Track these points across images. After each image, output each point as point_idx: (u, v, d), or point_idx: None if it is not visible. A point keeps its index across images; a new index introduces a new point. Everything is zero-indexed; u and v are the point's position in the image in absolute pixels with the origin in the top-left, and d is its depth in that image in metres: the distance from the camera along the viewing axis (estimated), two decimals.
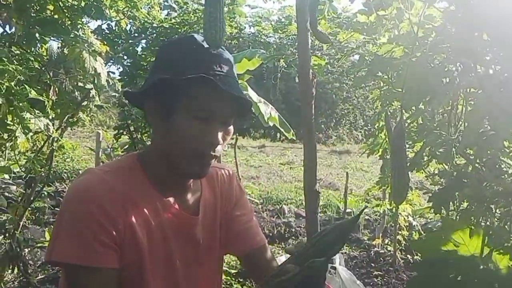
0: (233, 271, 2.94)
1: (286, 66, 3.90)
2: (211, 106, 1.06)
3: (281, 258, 1.78)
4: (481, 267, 0.84)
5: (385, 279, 3.03)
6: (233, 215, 1.30)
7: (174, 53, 1.10)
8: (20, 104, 1.67)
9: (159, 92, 1.05)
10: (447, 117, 2.02)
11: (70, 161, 7.19)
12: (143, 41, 2.86)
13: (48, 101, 1.87)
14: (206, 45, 1.09)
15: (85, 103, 2.13)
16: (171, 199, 1.15)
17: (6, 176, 3.46)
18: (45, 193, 5.22)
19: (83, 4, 2.10)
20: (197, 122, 1.05)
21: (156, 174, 1.12)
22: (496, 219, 1.70)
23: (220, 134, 1.08)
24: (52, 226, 3.81)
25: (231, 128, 1.13)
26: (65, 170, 6.71)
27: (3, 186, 3.48)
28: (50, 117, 1.97)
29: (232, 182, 1.31)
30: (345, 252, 3.67)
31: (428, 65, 1.76)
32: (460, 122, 1.97)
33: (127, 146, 2.73)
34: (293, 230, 4.27)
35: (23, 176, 2.64)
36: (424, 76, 1.75)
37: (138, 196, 1.07)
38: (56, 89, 1.96)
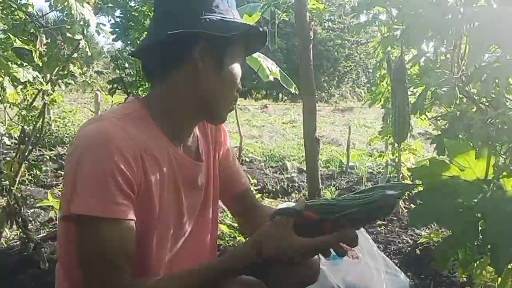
0: (236, 224, 2.94)
1: (283, 12, 3.78)
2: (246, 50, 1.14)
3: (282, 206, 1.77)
4: (488, 191, 0.80)
5: (388, 228, 3.02)
6: (221, 160, 1.31)
7: None
8: (5, 53, 1.61)
9: (210, 35, 1.02)
10: (450, 58, 1.95)
11: (71, 125, 7.17)
12: None
13: (35, 52, 1.81)
14: None
15: (75, 55, 2.07)
16: (180, 148, 1.14)
17: (7, 140, 3.42)
18: (47, 157, 5.25)
19: None
20: (238, 65, 1.10)
21: (167, 123, 1.08)
22: (502, 158, 1.66)
23: None
24: (54, 189, 3.81)
25: None
26: (66, 135, 6.69)
27: None
28: (40, 70, 1.92)
29: (218, 127, 1.31)
30: None
31: None
32: (464, 62, 1.90)
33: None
34: (296, 184, 4.26)
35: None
36: (425, 10, 1.67)
37: (153, 146, 1.03)
38: (44, 39, 1.89)
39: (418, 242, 2.50)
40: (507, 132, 1.66)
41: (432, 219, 0.86)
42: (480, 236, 0.77)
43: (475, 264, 1.74)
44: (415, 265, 2.28)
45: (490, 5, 1.55)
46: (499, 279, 1.61)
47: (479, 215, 0.78)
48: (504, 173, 0.80)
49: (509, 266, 1.64)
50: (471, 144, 0.93)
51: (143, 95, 1.29)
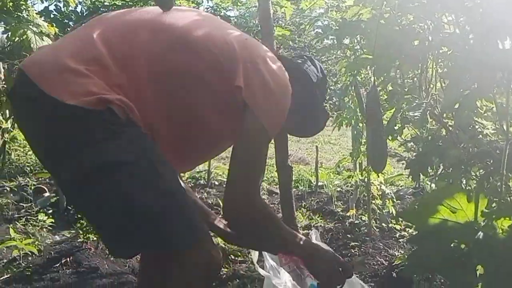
0: None
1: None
2: None
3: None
4: (480, 233, 0.79)
5: (362, 249, 3.01)
6: None
7: None
8: None
9: None
10: (417, 81, 1.98)
11: (32, 154, 6.92)
12: None
13: None
14: None
15: None
16: None
17: None
18: (7, 188, 5.04)
19: None
20: None
21: None
22: (473, 182, 1.67)
23: None
24: (16, 222, 3.63)
25: None
26: (27, 164, 6.44)
27: None
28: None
29: None
30: (320, 225, 3.65)
31: (397, 26, 1.70)
32: (431, 86, 1.93)
33: None
34: None
35: None
36: (393, 38, 1.68)
37: None
38: (4, 75, 1.81)
39: (393, 264, 2.49)
40: (479, 156, 1.68)
41: (428, 269, 0.84)
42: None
43: None
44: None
45: (456, 33, 1.57)
46: None
47: (475, 260, 0.77)
48: (494, 216, 0.79)
49: None
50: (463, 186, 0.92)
51: None
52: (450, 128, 1.80)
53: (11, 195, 4.53)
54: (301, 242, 1.46)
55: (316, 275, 1.46)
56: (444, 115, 1.85)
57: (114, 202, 1.13)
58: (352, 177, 3.64)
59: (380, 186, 3.37)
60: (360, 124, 3.14)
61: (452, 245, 0.80)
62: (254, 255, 1.88)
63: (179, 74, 1.28)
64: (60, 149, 1.15)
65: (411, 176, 1.66)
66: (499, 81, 1.28)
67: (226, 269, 2.71)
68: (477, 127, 1.72)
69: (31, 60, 1.26)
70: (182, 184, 1.45)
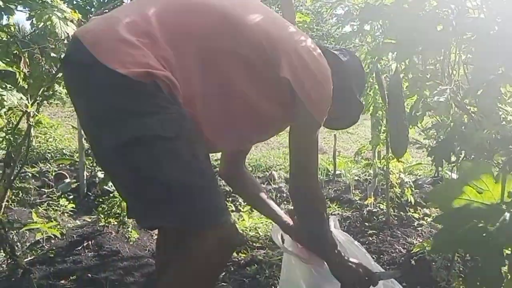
0: None
1: None
2: None
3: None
4: (507, 214, 0.78)
5: (380, 237, 3.01)
6: None
7: None
8: None
9: None
10: (439, 68, 1.96)
11: (52, 141, 7.02)
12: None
13: (19, 74, 1.76)
14: None
15: (60, 74, 2.02)
16: None
17: None
18: (29, 174, 5.13)
19: None
20: None
21: None
22: (496, 169, 1.66)
23: None
24: (38, 207, 3.70)
25: None
26: (48, 151, 6.54)
27: None
28: (24, 91, 1.86)
29: None
30: (338, 214, 3.65)
31: (421, 11, 1.68)
32: (454, 72, 1.91)
33: None
34: (284, 195, 4.23)
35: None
36: (416, 23, 1.67)
37: None
38: (27, 60, 1.84)
39: (411, 251, 2.48)
40: (501, 143, 1.66)
41: (456, 246, 0.85)
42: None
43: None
44: (410, 276, 2.26)
45: (481, 18, 1.55)
46: None
47: (502, 240, 0.77)
48: None
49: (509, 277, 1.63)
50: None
51: None
52: (473, 115, 1.78)
53: (33, 181, 4.61)
54: (334, 248, 1.67)
55: (337, 278, 1.65)
56: (467, 101, 1.83)
57: (147, 174, 1.18)
58: (371, 166, 3.62)
59: (399, 174, 3.35)
60: (380, 112, 3.12)
61: (479, 225, 0.80)
62: (276, 237, 1.92)
63: (225, 53, 1.34)
64: (106, 115, 1.20)
65: (433, 164, 1.65)
66: None
67: (244, 255, 2.73)
68: (500, 113, 1.70)
69: (85, 29, 1.31)
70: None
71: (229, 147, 1.65)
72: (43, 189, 4.31)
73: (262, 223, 3.33)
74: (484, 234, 0.78)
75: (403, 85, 2.15)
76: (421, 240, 2.84)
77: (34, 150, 6.27)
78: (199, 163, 1.22)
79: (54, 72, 2.04)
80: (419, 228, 3.15)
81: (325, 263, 1.74)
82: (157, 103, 1.18)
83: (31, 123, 1.99)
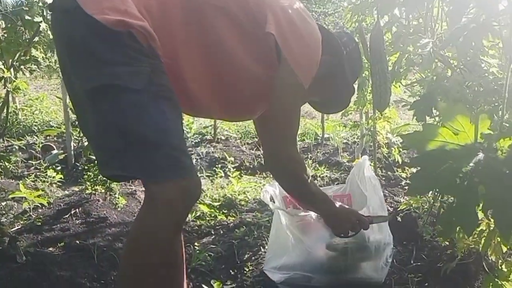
0: (216, 203, 2.91)
1: None
2: None
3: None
4: (481, 154, 0.78)
5: None
6: None
7: None
8: None
9: None
10: (422, 22, 1.93)
11: (39, 113, 6.94)
12: None
13: None
14: None
15: (36, 38, 1.97)
16: None
17: None
18: (16, 147, 5.08)
19: None
20: None
21: None
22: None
23: None
24: (26, 179, 3.68)
25: None
26: (34, 123, 6.48)
27: None
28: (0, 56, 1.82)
29: None
30: (326, 175, 3.67)
31: None
32: (437, 26, 1.88)
33: None
34: None
35: None
36: None
37: None
38: (2, 24, 1.79)
39: (398, 209, 2.51)
40: (483, 95, 1.65)
41: (432, 186, 0.85)
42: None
43: (458, 228, 1.76)
44: (397, 232, 2.29)
45: None
46: (482, 241, 1.63)
47: (476, 179, 0.76)
48: (495, 137, 0.78)
49: (491, 228, 1.65)
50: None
51: None
52: (456, 69, 1.77)
53: (20, 153, 4.57)
54: (325, 200, 1.71)
55: (330, 226, 1.75)
56: (450, 54, 1.82)
57: (111, 123, 1.19)
58: (358, 127, 3.62)
59: (387, 134, 3.35)
60: (366, 72, 3.10)
61: (454, 166, 0.79)
62: (265, 198, 1.95)
63: (211, 8, 1.34)
64: (80, 60, 1.21)
65: (413, 118, 1.65)
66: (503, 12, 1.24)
67: (233, 218, 2.75)
68: (483, 65, 1.69)
69: None
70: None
71: (218, 111, 1.57)
72: (30, 161, 4.27)
73: (251, 187, 3.35)
74: (460, 175, 0.78)
75: (386, 41, 2.13)
76: (408, 199, 2.86)
77: (21, 123, 6.21)
78: (164, 119, 1.21)
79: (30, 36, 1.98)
80: (406, 187, 3.18)
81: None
82: (129, 53, 1.17)
83: (9, 89, 1.95)
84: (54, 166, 3.75)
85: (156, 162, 1.19)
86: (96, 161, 1.40)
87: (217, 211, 2.80)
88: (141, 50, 1.18)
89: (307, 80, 1.43)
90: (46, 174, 3.49)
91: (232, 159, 4.07)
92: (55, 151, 4.37)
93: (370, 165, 3.69)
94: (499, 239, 1.56)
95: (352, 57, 1.64)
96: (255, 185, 3.42)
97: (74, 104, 1.36)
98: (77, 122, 2.84)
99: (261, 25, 1.36)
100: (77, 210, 2.60)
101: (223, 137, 5.17)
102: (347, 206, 1.87)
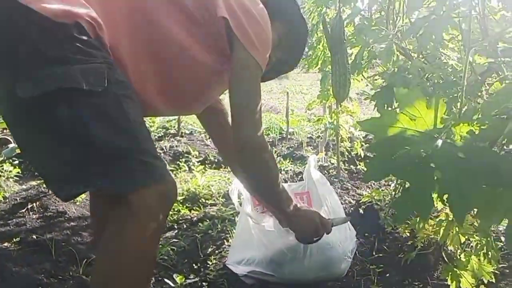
0: (179, 197, 2.87)
1: None
2: None
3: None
4: (440, 140, 0.79)
5: None
6: None
7: None
8: None
9: None
10: (384, 15, 1.95)
11: None
12: None
13: None
14: None
15: None
16: None
17: None
18: None
19: None
20: None
21: None
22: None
23: None
24: None
25: None
26: None
27: None
28: None
29: None
30: (290, 169, 3.68)
31: None
32: (398, 19, 1.91)
33: None
34: None
35: None
36: None
37: None
38: None
39: (360, 201, 2.54)
40: (443, 87, 1.68)
41: (387, 172, 0.85)
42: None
43: (417, 219, 1.79)
44: (359, 224, 2.31)
45: None
46: (441, 231, 1.66)
47: (433, 165, 0.77)
48: (453, 122, 0.79)
49: (449, 218, 1.68)
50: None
51: None
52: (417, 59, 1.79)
53: None
54: (289, 200, 1.64)
55: (294, 230, 1.69)
56: (411, 47, 1.84)
57: (69, 133, 1.06)
58: (321, 121, 3.65)
59: (349, 128, 3.38)
60: (329, 66, 3.11)
61: (411, 151, 0.80)
62: (233, 195, 1.95)
63: None
64: (24, 61, 1.05)
65: (374, 108, 1.66)
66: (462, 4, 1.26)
67: (197, 212, 2.72)
68: (442, 58, 1.71)
69: None
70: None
71: (168, 107, 1.43)
72: None
73: (215, 181, 3.32)
74: (416, 160, 0.79)
75: (348, 33, 2.14)
76: (370, 191, 2.90)
77: None
78: (130, 122, 1.12)
79: None
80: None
81: (277, 221, 1.76)
82: (81, 48, 1.05)
83: None
84: (11, 160, 3.63)
85: (128, 170, 1.11)
86: (46, 183, 1.21)
87: (181, 205, 2.76)
88: (92, 43, 1.07)
89: (263, 60, 1.39)
90: (3, 168, 3.37)
91: (197, 153, 4.04)
92: (12, 145, 4.22)
93: (332, 157, 3.73)
94: (457, 229, 1.59)
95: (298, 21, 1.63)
96: (220, 179, 3.39)
97: (9, 120, 1.14)
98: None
99: (210, 11, 1.30)
100: (34, 204, 2.51)
101: (187, 131, 5.11)
102: (308, 206, 1.85)
